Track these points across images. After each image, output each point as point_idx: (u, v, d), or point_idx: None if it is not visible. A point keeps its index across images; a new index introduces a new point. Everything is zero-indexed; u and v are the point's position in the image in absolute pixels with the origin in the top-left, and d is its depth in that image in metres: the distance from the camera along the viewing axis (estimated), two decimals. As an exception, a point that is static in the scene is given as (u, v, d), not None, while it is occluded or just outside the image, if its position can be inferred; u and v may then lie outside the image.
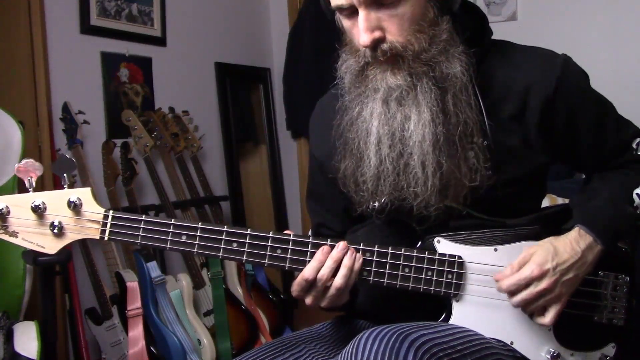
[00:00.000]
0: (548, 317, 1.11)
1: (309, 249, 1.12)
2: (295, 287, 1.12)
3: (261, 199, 3.74)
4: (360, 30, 1.09)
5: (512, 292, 1.11)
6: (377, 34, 1.08)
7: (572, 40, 3.02)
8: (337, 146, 1.22)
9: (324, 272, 1.09)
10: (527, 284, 1.09)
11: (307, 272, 1.10)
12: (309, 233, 1.36)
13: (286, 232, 1.14)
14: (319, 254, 1.10)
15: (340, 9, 1.12)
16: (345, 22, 1.14)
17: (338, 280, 1.09)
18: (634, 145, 1.25)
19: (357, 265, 1.11)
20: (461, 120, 1.11)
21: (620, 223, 1.17)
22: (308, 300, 1.13)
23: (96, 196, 1.10)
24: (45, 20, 2.50)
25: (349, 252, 1.11)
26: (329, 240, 1.12)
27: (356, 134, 1.16)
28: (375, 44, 1.09)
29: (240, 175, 3.51)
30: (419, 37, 1.09)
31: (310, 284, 1.10)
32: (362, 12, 1.08)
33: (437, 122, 1.10)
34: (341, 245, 1.11)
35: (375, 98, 1.13)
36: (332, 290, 1.10)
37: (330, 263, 1.09)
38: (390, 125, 1.12)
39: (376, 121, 1.13)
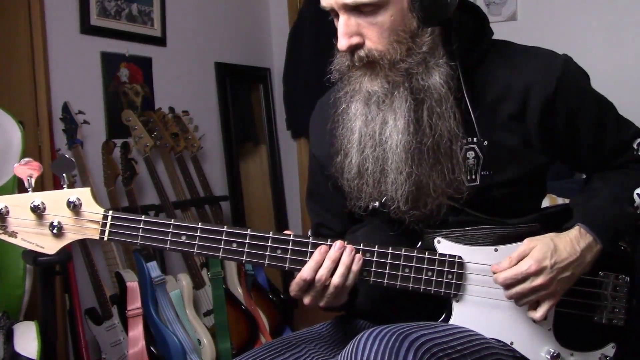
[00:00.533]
0: (539, 312, 1.12)
1: (308, 249, 1.12)
2: (294, 287, 1.12)
3: (261, 199, 3.74)
4: (339, 35, 1.10)
5: (507, 285, 1.11)
6: (355, 39, 1.10)
7: (572, 40, 3.02)
8: (333, 142, 1.22)
9: (322, 272, 1.09)
10: (524, 278, 1.09)
11: (305, 272, 1.10)
12: (309, 233, 1.36)
13: (286, 232, 1.14)
14: (317, 254, 1.10)
15: (326, 10, 1.13)
16: (336, 22, 1.15)
17: (336, 279, 1.09)
18: (635, 146, 1.25)
19: (356, 266, 1.11)
20: (436, 132, 1.12)
21: (621, 223, 1.17)
22: (306, 300, 1.13)
23: (96, 196, 1.10)
24: (45, 20, 2.50)
25: (347, 250, 1.11)
26: (328, 240, 1.12)
27: (342, 130, 1.18)
28: (353, 50, 1.11)
29: (240, 175, 3.51)
30: (396, 48, 1.10)
31: (309, 284, 1.10)
32: (342, 17, 1.10)
33: (410, 131, 1.11)
34: (338, 244, 1.11)
35: (357, 99, 1.15)
36: (330, 289, 1.10)
37: (328, 263, 1.09)
38: (371, 127, 1.14)
39: (359, 121, 1.15)
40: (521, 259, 1.11)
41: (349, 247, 1.11)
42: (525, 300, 1.11)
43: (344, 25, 1.09)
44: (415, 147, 1.11)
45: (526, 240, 1.13)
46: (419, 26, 1.11)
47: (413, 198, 1.13)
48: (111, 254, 2.47)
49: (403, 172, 1.12)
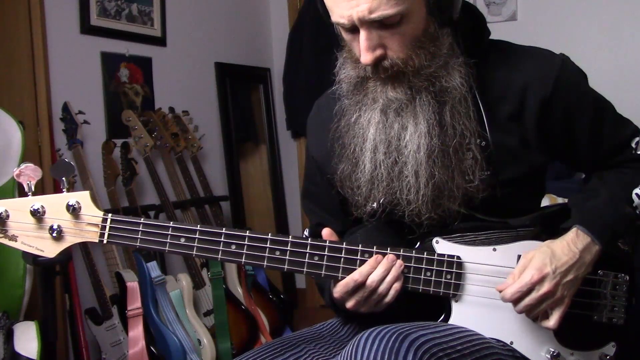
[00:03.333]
0: (552, 321, 1.11)
1: (307, 251, 1.12)
2: (341, 287, 1.12)
3: (261, 199, 3.74)
4: (362, 50, 1.08)
5: (515, 300, 1.11)
6: (379, 52, 1.09)
7: (572, 40, 3.02)
8: (334, 148, 1.22)
9: (374, 277, 1.10)
10: (529, 289, 1.09)
11: (358, 274, 1.10)
12: (306, 232, 1.35)
13: (324, 233, 1.15)
14: (372, 260, 1.11)
15: (342, 26, 1.11)
16: (345, 35, 1.14)
17: (383, 286, 1.10)
18: (633, 145, 1.25)
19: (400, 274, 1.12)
20: (458, 132, 1.12)
21: (619, 223, 1.17)
22: (350, 303, 1.13)
23: (95, 199, 1.10)
24: (45, 20, 2.50)
25: (397, 264, 1.11)
26: (327, 241, 1.12)
27: (352, 139, 1.17)
28: (377, 62, 1.09)
29: (240, 175, 3.51)
30: (420, 53, 1.09)
31: (357, 287, 1.11)
32: (363, 32, 1.07)
33: (433, 134, 1.11)
34: (390, 257, 1.12)
35: (374, 108, 1.14)
36: (374, 296, 1.11)
37: (381, 271, 1.10)
38: (387, 134, 1.14)
39: (373, 128, 1.14)
40: (522, 272, 1.10)
41: (399, 262, 1.12)
42: (536, 312, 1.11)
43: (367, 40, 1.07)
44: (438, 149, 1.11)
45: (523, 254, 1.13)
46: (436, 29, 1.11)
47: (433, 200, 1.13)
48: (111, 254, 2.47)
49: (423, 176, 1.12)
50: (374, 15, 1.04)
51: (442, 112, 1.12)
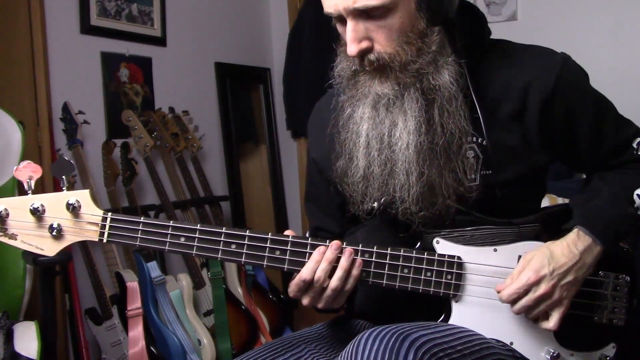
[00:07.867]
0: (552, 322, 1.11)
1: (307, 250, 1.12)
2: (293, 287, 1.12)
3: (261, 199, 3.74)
4: (348, 41, 1.09)
5: (512, 301, 1.11)
6: (365, 44, 1.09)
7: (572, 40, 3.02)
8: (333, 145, 1.22)
9: (319, 273, 1.09)
10: (526, 290, 1.09)
11: (305, 272, 1.10)
12: (307, 235, 1.36)
13: (286, 232, 1.14)
14: (316, 254, 1.10)
15: (331, 15, 1.12)
16: (339, 27, 1.15)
17: (333, 282, 1.10)
18: (635, 145, 1.25)
19: (356, 270, 1.11)
20: (447, 131, 1.12)
21: (621, 224, 1.17)
22: (305, 300, 1.13)
23: (95, 198, 1.10)
24: (45, 20, 2.50)
25: (346, 254, 1.10)
26: (327, 241, 1.12)
27: (347, 134, 1.18)
28: (363, 54, 1.10)
29: (240, 175, 3.51)
30: (406, 49, 1.10)
31: (308, 285, 1.10)
32: (350, 23, 1.08)
33: (421, 131, 1.11)
34: (334, 245, 1.11)
35: (365, 102, 1.14)
36: (327, 292, 1.10)
37: (325, 264, 1.09)
38: (379, 130, 1.14)
39: (366, 124, 1.14)
40: (520, 274, 1.11)
41: (348, 251, 1.11)
42: (534, 313, 1.11)
43: (353, 30, 1.08)
44: (427, 147, 1.11)
45: (523, 255, 1.13)
46: (426, 26, 1.11)
47: (424, 198, 1.13)
48: (111, 254, 2.47)
49: (414, 173, 1.12)
50: (357, 5, 1.06)
51: (430, 110, 1.12)
